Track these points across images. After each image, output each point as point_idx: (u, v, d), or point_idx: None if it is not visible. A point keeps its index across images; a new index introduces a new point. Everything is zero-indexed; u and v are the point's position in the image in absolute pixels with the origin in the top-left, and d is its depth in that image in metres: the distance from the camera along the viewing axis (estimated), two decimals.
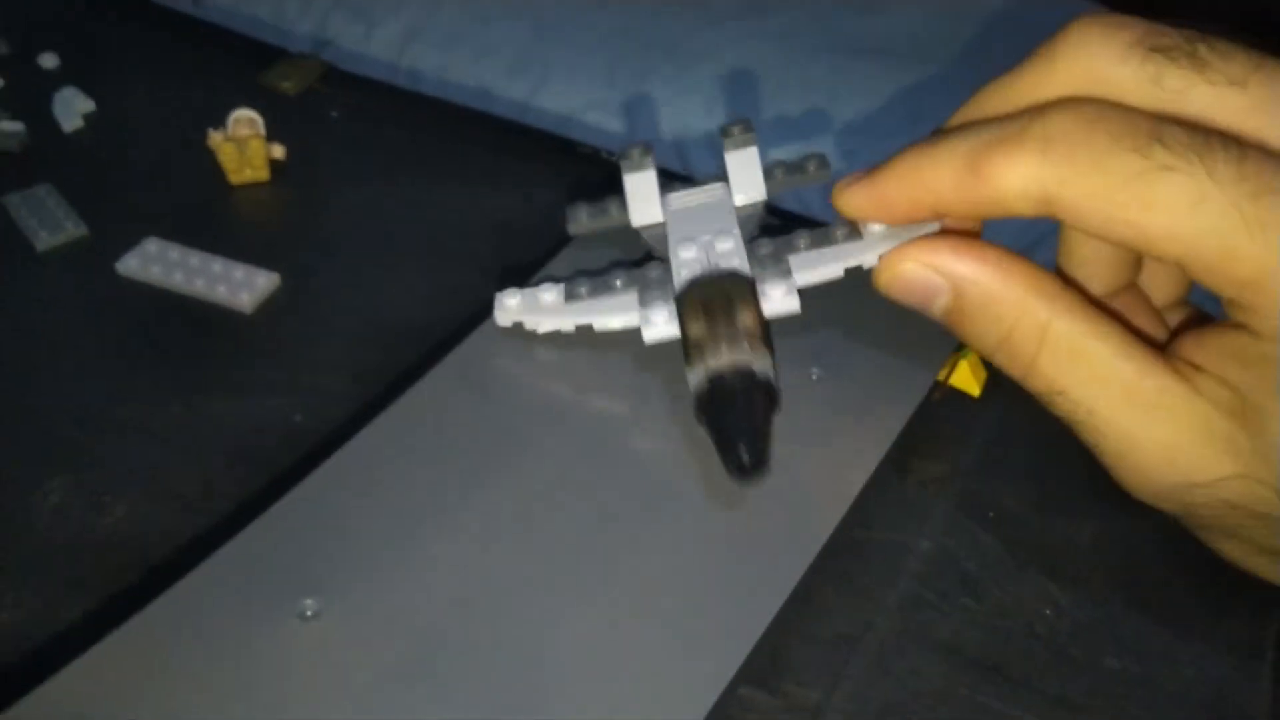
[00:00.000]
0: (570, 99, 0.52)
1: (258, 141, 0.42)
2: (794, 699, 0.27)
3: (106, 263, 0.38)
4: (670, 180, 0.33)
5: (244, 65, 0.48)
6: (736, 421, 0.26)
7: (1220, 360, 0.25)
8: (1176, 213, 0.23)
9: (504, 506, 0.29)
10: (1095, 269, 0.29)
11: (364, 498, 0.29)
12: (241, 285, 0.37)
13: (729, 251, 0.30)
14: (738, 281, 0.29)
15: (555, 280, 0.33)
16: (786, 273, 0.29)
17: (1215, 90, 0.24)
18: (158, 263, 0.38)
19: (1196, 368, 0.25)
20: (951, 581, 0.30)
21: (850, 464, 0.30)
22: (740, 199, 0.31)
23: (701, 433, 0.26)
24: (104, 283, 0.38)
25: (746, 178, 0.31)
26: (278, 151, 0.43)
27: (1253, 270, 0.23)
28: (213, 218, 0.41)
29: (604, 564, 0.27)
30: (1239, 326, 0.24)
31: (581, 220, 0.33)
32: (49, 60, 0.48)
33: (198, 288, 0.37)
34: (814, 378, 0.32)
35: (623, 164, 0.32)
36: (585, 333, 0.32)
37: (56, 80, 0.46)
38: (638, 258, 0.33)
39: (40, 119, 0.44)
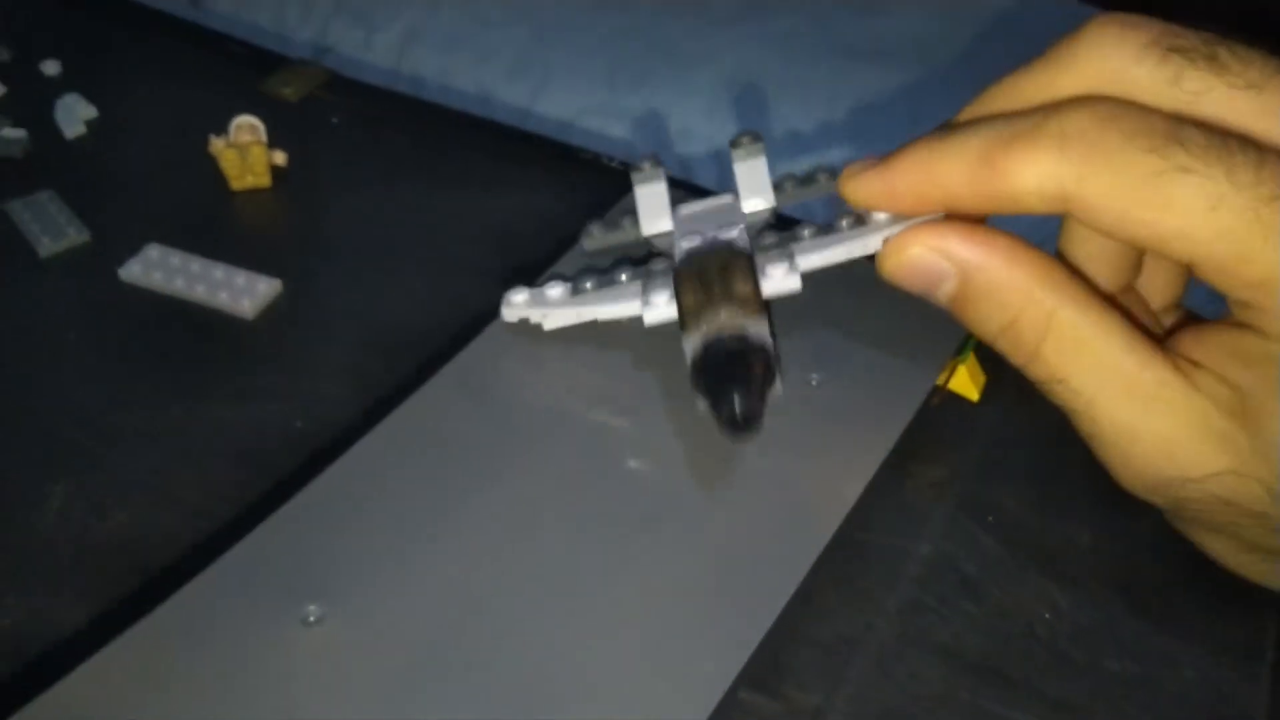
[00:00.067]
0: (570, 102, 0.52)
1: (259, 148, 0.42)
2: (795, 702, 0.27)
3: (109, 269, 0.38)
4: (680, 192, 0.33)
5: (245, 72, 0.48)
6: (730, 376, 0.26)
7: (1221, 358, 0.25)
8: (1193, 214, 0.23)
9: (506, 512, 0.29)
10: (1095, 271, 0.29)
11: (367, 504, 0.29)
12: (243, 291, 0.38)
13: (731, 237, 0.30)
14: (735, 254, 0.29)
15: (563, 279, 0.33)
16: (789, 255, 0.29)
17: (1233, 93, 0.24)
18: (160, 269, 0.38)
19: (1196, 364, 0.25)
20: (951, 584, 0.30)
21: (850, 468, 0.30)
22: (749, 207, 0.31)
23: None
24: (106, 289, 0.38)
25: (755, 186, 0.31)
26: (279, 158, 0.43)
27: (1265, 272, 0.23)
28: (214, 224, 0.41)
29: (605, 569, 0.27)
30: (1244, 326, 0.25)
31: (595, 236, 0.34)
32: (51, 67, 0.48)
33: (199, 294, 0.38)
34: (813, 383, 0.32)
35: (634, 176, 0.32)
36: (589, 333, 0.32)
37: (58, 87, 0.47)
38: (643, 255, 0.34)
39: (42, 125, 0.45)
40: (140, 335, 0.37)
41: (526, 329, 0.33)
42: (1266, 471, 0.24)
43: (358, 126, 0.46)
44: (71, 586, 0.29)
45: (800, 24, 0.57)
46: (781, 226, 0.32)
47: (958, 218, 0.27)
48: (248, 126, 0.43)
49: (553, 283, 0.33)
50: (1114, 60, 0.25)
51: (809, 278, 0.29)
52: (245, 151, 0.42)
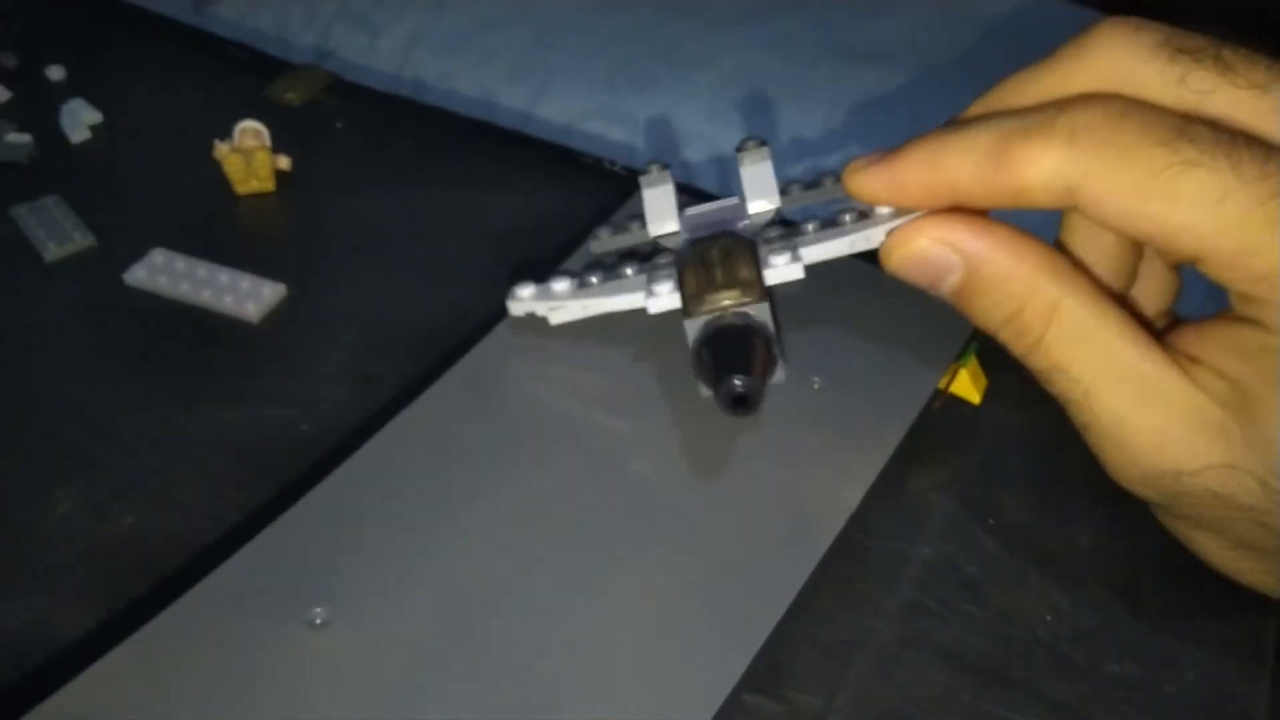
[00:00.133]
0: (571, 104, 0.52)
1: (263, 153, 0.42)
2: (797, 705, 0.27)
3: (114, 273, 0.39)
4: (685, 198, 0.33)
5: (249, 77, 0.48)
6: (732, 354, 0.27)
7: (1219, 353, 0.25)
8: (1199, 207, 0.24)
9: (511, 516, 0.29)
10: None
11: (373, 506, 0.29)
12: (248, 295, 0.38)
13: (735, 228, 0.31)
14: (737, 240, 0.30)
15: (569, 274, 0.33)
16: (792, 246, 0.30)
17: (1239, 93, 0.25)
18: (165, 273, 0.38)
19: (1193, 360, 0.26)
20: (952, 587, 0.30)
21: (851, 472, 0.30)
22: (754, 208, 0.32)
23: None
24: (111, 293, 0.38)
25: (761, 187, 0.31)
26: (283, 162, 0.43)
27: (1269, 265, 0.23)
28: (219, 228, 0.41)
29: (609, 573, 0.28)
30: (1244, 320, 0.25)
31: (602, 239, 0.34)
32: (56, 72, 0.48)
33: (204, 298, 0.38)
34: (815, 387, 0.32)
35: (642, 179, 0.32)
36: (593, 337, 0.32)
37: (63, 92, 0.47)
38: (648, 252, 0.34)
39: (47, 131, 0.45)
40: (145, 339, 0.37)
41: (532, 332, 0.33)
42: (1260, 464, 0.25)
43: (361, 131, 0.47)
44: (77, 590, 0.29)
45: (800, 26, 0.57)
46: (785, 227, 0.32)
47: (960, 212, 0.27)
48: (252, 131, 0.43)
49: (559, 277, 0.33)
50: (1123, 60, 0.26)
51: (811, 277, 0.29)
52: (250, 156, 0.42)
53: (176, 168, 0.44)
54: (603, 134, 0.52)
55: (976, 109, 0.28)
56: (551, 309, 0.33)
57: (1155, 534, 0.30)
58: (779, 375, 0.28)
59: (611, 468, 0.30)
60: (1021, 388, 0.28)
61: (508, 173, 0.44)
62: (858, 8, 0.58)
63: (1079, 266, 0.27)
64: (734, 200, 0.32)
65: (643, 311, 0.31)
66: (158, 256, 0.39)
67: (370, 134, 0.46)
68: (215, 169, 0.43)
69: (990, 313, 0.27)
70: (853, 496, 0.30)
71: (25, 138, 0.44)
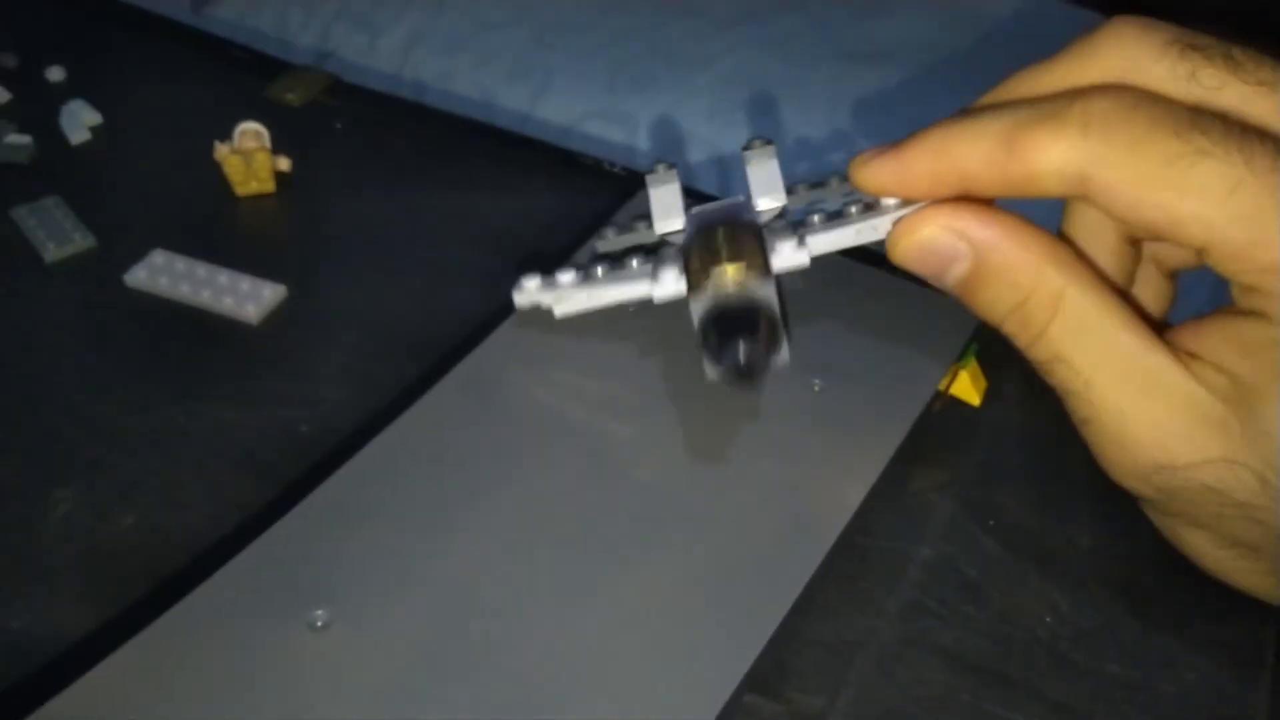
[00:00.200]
0: (571, 105, 0.52)
1: (263, 154, 0.42)
2: (798, 705, 0.27)
3: (114, 274, 0.39)
4: (689, 200, 0.33)
5: (249, 78, 0.48)
6: (736, 326, 0.27)
7: (1220, 348, 0.26)
8: (1209, 198, 0.24)
9: (512, 517, 0.29)
10: None
11: (374, 508, 0.29)
12: (248, 297, 0.38)
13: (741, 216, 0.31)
14: (743, 225, 0.30)
15: (575, 266, 0.33)
16: (799, 234, 0.30)
17: (1247, 89, 0.25)
18: (165, 274, 0.38)
19: (1193, 355, 0.26)
20: (953, 587, 0.30)
21: (852, 474, 0.30)
22: (761, 205, 0.32)
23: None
24: (111, 294, 0.38)
25: (767, 185, 0.32)
26: (283, 164, 0.43)
27: (1277, 257, 0.24)
28: (219, 230, 0.41)
29: (610, 574, 0.28)
30: (1246, 314, 0.25)
31: (608, 238, 0.34)
32: (56, 73, 0.48)
33: (204, 299, 0.38)
34: (815, 389, 0.32)
35: (648, 178, 0.33)
36: (595, 338, 0.32)
37: (63, 93, 0.47)
38: (654, 246, 0.34)
39: (47, 132, 0.45)
40: (145, 340, 0.37)
41: (534, 332, 0.33)
42: (1258, 458, 0.25)
43: (361, 132, 0.46)
44: (78, 590, 0.29)
45: (800, 26, 0.57)
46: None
47: (967, 201, 0.27)
48: (252, 133, 0.43)
49: (564, 269, 0.33)
50: (1133, 56, 0.26)
51: (812, 278, 0.30)
52: (250, 158, 0.42)
53: (176, 169, 0.44)
54: (603, 135, 0.52)
55: (987, 99, 0.28)
56: (557, 299, 0.33)
57: (1155, 534, 0.30)
58: (783, 356, 0.28)
59: (612, 469, 0.30)
60: (1021, 389, 0.28)
61: (508, 174, 0.44)
62: (858, 8, 0.58)
63: (1083, 258, 0.27)
64: (740, 199, 0.32)
65: (645, 310, 0.31)
66: (158, 257, 0.39)
67: (370, 135, 0.46)
68: (215, 170, 0.43)
69: (996, 303, 0.27)
70: (854, 497, 0.30)
71: (25, 139, 0.44)
